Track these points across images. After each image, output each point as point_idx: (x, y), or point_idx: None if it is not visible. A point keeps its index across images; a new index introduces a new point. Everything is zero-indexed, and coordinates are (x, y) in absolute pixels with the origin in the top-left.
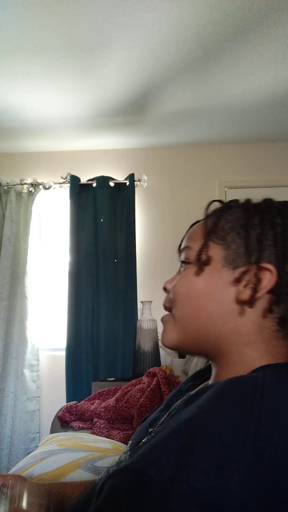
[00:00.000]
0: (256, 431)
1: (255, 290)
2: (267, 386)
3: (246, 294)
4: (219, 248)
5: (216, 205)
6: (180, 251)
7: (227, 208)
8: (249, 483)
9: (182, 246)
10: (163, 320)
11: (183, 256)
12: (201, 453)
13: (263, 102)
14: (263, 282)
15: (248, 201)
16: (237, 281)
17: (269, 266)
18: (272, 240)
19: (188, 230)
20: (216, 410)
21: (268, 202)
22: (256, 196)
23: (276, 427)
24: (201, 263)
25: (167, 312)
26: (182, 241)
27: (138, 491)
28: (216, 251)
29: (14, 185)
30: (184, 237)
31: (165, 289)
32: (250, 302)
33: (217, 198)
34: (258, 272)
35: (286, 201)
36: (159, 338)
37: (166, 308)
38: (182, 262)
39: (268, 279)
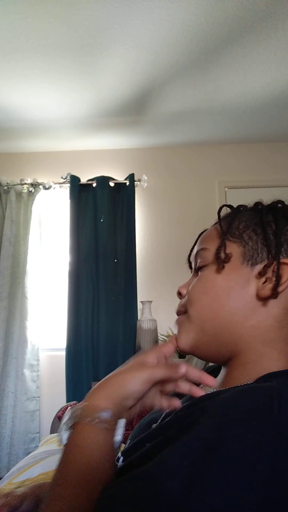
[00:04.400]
0: (273, 447)
1: (277, 284)
2: (283, 398)
3: (267, 290)
4: (236, 246)
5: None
6: (189, 257)
7: (239, 210)
8: (266, 501)
9: (196, 250)
10: (177, 322)
11: (198, 259)
12: (217, 468)
13: (263, 102)
14: (283, 277)
15: (258, 203)
16: (259, 275)
17: (287, 260)
18: None
19: (199, 236)
20: (231, 423)
21: (278, 201)
22: (256, 196)
23: None
24: (221, 261)
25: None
26: (192, 250)
27: (149, 500)
28: (233, 249)
29: (14, 185)
30: (194, 245)
31: (180, 294)
32: (273, 296)
33: (217, 198)
34: (279, 267)
35: None
36: (159, 338)
37: (180, 312)
38: (197, 266)
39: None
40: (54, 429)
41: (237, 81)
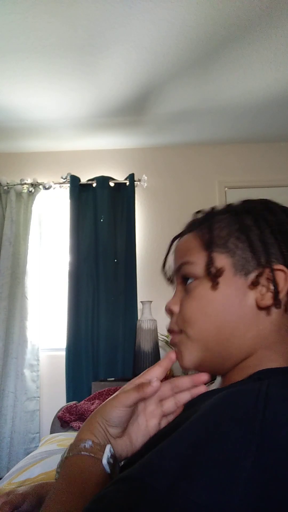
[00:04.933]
0: (258, 444)
1: (277, 293)
2: (270, 398)
3: (268, 299)
4: (224, 257)
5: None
6: (164, 265)
7: (213, 215)
8: (250, 498)
9: (179, 263)
10: (174, 342)
11: (184, 273)
12: (202, 465)
13: (263, 102)
14: (280, 284)
15: (230, 206)
16: (254, 285)
17: (281, 266)
18: (272, 238)
19: (171, 245)
20: (218, 422)
21: (251, 202)
22: (256, 196)
23: (278, 440)
24: (213, 277)
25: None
26: (165, 258)
27: (135, 499)
28: (222, 261)
29: (14, 185)
30: (167, 254)
31: (170, 311)
32: (277, 304)
33: (217, 198)
34: (273, 275)
35: (265, 199)
36: (159, 338)
37: (174, 331)
38: (183, 279)
39: (283, 279)
40: (54, 429)
41: (237, 81)
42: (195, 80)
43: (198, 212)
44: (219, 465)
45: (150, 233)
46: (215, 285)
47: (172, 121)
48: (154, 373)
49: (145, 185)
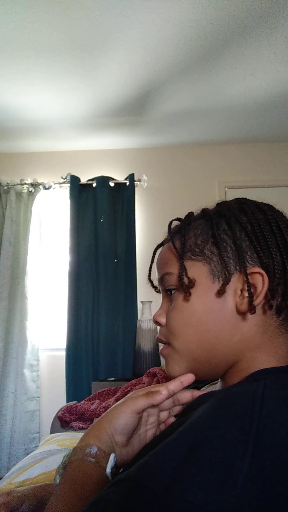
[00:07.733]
0: (254, 445)
1: (252, 298)
2: (266, 398)
3: (245, 304)
4: (201, 264)
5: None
6: (149, 276)
7: (189, 222)
8: (247, 497)
9: (161, 274)
10: (162, 353)
11: (166, 284)
12: (198, 466)
13: (263, 102)
14: (257, 288)
15: (205, 210)
16: (232, 290)
17: (257, 269)
18: (247, 240)
19: (154, 255)
20: (214, 423)
21: (225, 204)
22: (256, 196)
23: (275, 441)
24: (185, 287)
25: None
26: (150, 269)
27: (132, 501)
28: (199, 269)
29: (14, 185)
30: (151, 265)
31: (157, 323)
32: (251, 310)
33: (217, 198)
34: (250, 279)
35: (240, 198)
36: None
37: (161, 341)
38: (167, 290)
39: (261, 282)
40: (54, 429)
41: (237, 81)
42: (195, 80)
43: (177, 219)
44: (216, 466)
45: (150, 233)
46: (187, 296)
47: (172, 121)
48: (174, 386)
49: (145, 185)
